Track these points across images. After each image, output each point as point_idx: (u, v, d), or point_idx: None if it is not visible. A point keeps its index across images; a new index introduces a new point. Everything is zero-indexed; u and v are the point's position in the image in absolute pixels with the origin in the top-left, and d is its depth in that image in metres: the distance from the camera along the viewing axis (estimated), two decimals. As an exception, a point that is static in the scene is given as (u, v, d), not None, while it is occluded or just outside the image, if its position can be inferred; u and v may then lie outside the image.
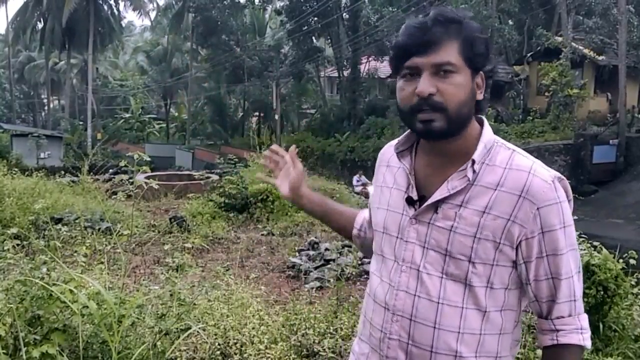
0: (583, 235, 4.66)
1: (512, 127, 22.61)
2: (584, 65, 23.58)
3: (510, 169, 1.33)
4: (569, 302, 1.36)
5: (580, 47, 22.76)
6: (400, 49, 1.31)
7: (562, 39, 22.56)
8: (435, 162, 1.40)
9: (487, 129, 1.40)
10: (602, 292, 3.88)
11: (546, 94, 22.83)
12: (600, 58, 23.00)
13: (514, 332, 1.41)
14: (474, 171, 1.33)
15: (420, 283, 1.35)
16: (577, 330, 1.37)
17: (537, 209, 1.29)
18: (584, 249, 4.27)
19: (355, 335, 1.64)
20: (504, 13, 26.44)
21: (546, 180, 1.31)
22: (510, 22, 28.89)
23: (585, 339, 1.37)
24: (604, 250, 4.21)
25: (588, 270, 3.95)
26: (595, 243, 4.37)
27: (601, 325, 3.88)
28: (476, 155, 1.34)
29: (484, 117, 1.43)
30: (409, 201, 1.40)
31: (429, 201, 1.36)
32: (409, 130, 1.46)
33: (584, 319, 1.39)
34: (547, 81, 21.81)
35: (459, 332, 1.33)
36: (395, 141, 1.56)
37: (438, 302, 1.33)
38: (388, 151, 1.56)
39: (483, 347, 1.35)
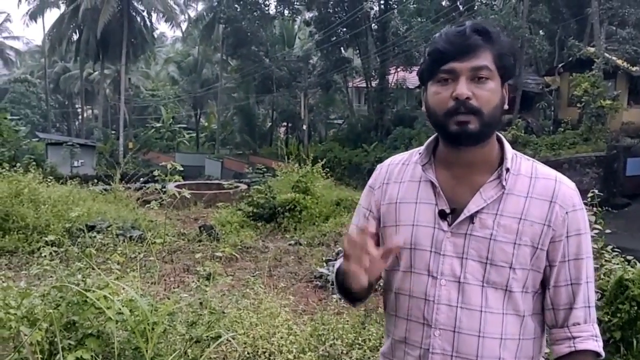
0: (616, 249, 4.59)
1: (542, 139, 22.28)
2: (617, 76, 23.16)
3: (537, 178, 1.40)
4: (585, 309, 1.39)
5: (614, 58, 22.37)
6: (439, 53, 1.35)
7: (594, 50, 22.21)
8: (459, 173, 1.42)
9: (506, 142, 1.45)
10: (635, 308, 3.81)
11: (578, 105, 22.45)
12: (634, 69, 22.57)
13: (542, 337, 1.45)
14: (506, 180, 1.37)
15: (461, 294, 1.37)
16: (593, 337, 1.40)
17: (566, 213, 1.37)
18: (617, 263, 4.21)
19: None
20: (534, 23, 26.14)
21: (571, 187, 1.41)
22: (541, 33, 28.57)
23: (600, 346, 1.40)
24: (638, 264, 4.14)
25: (621, 285, 3.89)
26: (629, 257, 4.30)
27: (634, 341, 3.81)
28: (509, 164, 1.39)
29: (498, 133, 1.46)
30: (442, 214, 1.41)
31: (466, 213, 1.37)
32: (426, 144, 1.49)
33: (597, 328, 1.42)
34: (579, 92, 21.46)
35: (501, 339, 1.35)
36: (397, 157, 1.59)
37: (481, 311, 1.35)
38: (393, 167, 1.56)
39: (521, 352, 1.38)
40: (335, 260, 7.96)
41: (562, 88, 25.81)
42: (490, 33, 1.35)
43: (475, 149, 1.38)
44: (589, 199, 4.62)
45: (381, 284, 1.59)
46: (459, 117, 1.33)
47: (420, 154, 1.50)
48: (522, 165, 1.42)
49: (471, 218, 1.37)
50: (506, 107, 1.41)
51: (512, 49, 1.40)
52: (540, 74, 28.31)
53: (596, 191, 4.73)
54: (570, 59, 24.53)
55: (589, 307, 1.40)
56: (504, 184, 1.37)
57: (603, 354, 1.41)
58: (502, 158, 1.42)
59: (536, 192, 1.38)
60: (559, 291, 1.39)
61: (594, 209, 4.53)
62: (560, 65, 25.81)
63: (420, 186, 1.47)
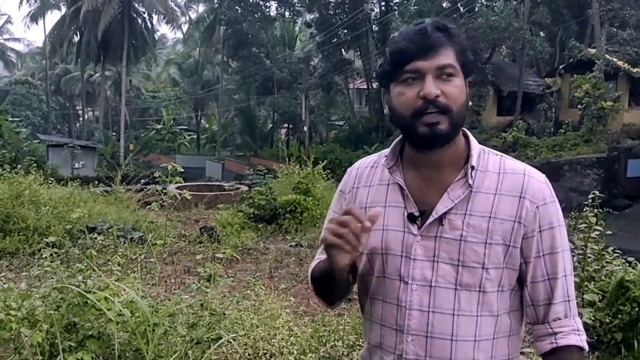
0: (617, 251, 4.59)
1: (543, 140, 22.30)
2: (618, 78, 23.19)
3: (504, 173, 1.37)
4: (564, 303, 1.37)
5: (614, 59, 22.39)
6: (400, 53, 1.32)
7: (595, 51, 22.23)
8: (428, 174, 1.39)
9: (472, 137, 1.42)
10: (636, 309, 3.80)
11: (579, 106, 22.48)
12: (635, 70, 22.58)
13: (519, 332, 1.43)
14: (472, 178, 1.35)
15: (433, 298, 1.34)
16: (575, 332, 1.37)
17: (537, 207, 1.34)
18: (618, 265, 4.21)
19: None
20: (535, 25, 26.18)
21: (541, 180, 1.37)
22: (542, 34, 28.61)
23: (583, 340, 1.37)
24: (639, 266, 4.14)
25: (622, 287, 3.89)
26: (630, 259, 4.30)
27: (635, 343, 3.81)
28: (474, 162, 1.36)
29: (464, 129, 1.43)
30: (411, 218, 1.38)
31: (434, 215, 1.35)
32: (392, 146, 1.46)
33: (579, 321, 1.40)
34: (580, 93, 21.48)
35: (475, 340, 1.34)
36: (366, 160, 1.56)
37: (453, 314, 1.33)
38: (362, 171, 1.53)
39: (497, 350, 1.36)
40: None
41: (563, 89, 25.83)
42: (451, 30, 1.33)
43: (442, 150, 1.35)
44: (590, 201, 4.62)
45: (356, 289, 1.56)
46: (428, 118, 1.29)
47: (385, 156, 1.47)
48: (489, 161, 1.39)
49: (440, 220, 1.35)
50: (470, 103, 1.38)
51: (470, 46, 1.39)
52: (541, 76, 28.36)
53: (597, 192, 4.73)
54: (571, 60, 24.57)
55: (569, 300, 1.38)
56: (470, 182, 1.34)
57: (587, 347, 1.39)
58: (469, 155, 1.39)
59: (505, 188, 1.35)
60: (536, 287, 1.37)
61: (595, 210, 4.53)
62: (561, 67, 25.84)
63: (388, 189, 1.44)
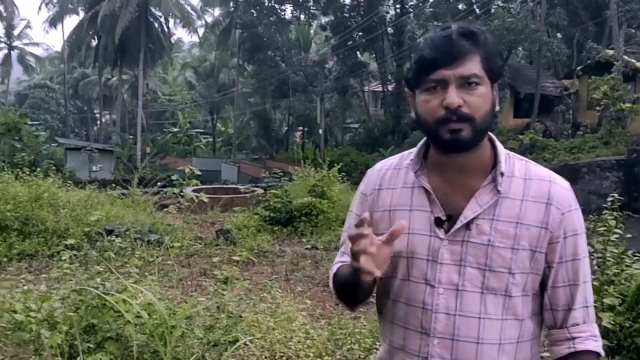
0: (637, 254, 4.53)
1: (560, 142, 22.08)
2: (637, 79, 22.90)
3: (530, 179, 1.38)
4: (584, 309, 1.39)
5: (633, 60, 22.12)
6: (425, 61, 1.32)
7: (613, 52, 21.99)
8: (452, 178, 1.39)
9: (499, 142, 1.42)
10: (659, 314, 3.75)
11: (597, 108, 22.22)
12: (654, 71, 22.30)
13: (540, 337, 1.44)
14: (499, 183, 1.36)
15: (460, 302, 1.35)
16: (593, 337, 1.39)
17: (562, 214, 1.35)
18: (639, 268, 4.15)
19: None
20: (552, 26, 25.96)
21: (565, 187, 1.39)
22: (559, 36, 28.37)
23: (599, 346, 1.39)
24: (660, 270, 4.08)
25: (644, 292, 3.83)
26: (651, 263, 4.24)
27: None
28: (503, 168, 1.36)
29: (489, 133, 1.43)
30: (438, 222, 1.38)
31: (462, 220, 1.35)
32: (417, 149, 1.46)
33: (596, 327, 1.41)
34: (598, 95, 21.24)
35: (499, 344, 1.35)
36: (387, 161, 1.55)
37: (479, 318, 1.34)
38: (384, 173, 1.53)
39: (520, 353, 1.37)
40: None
41: (580, 91, 25.58)
42: (477, 35, 1.33)
43: (468, 154, 1.36)
44: (609, 203, 4.56)
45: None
46: (451, 125, 1.30)
47: (411, 159, 1.46)
48: (515, 167, 1.39)
49: (467, 225, 1.35)
50: (497, 108, 1.38)
51: (498, 49, 1.39)
52: (558, 77, 28.11)
53: (616, 195, 4.66)
54: (589, 61, 24.31)
55: (588, 307, 1.39)
56: (499, 188, 1.35)
57: (603, 353, 1.39)
58: (495, 160, 1.39)
59: (531, 194, 1.36)
60: (557, 292, 1.38)
61: (614, 213, 4.48)
62: (579, 68, 25.59)
63: (413, 192, 1.44)
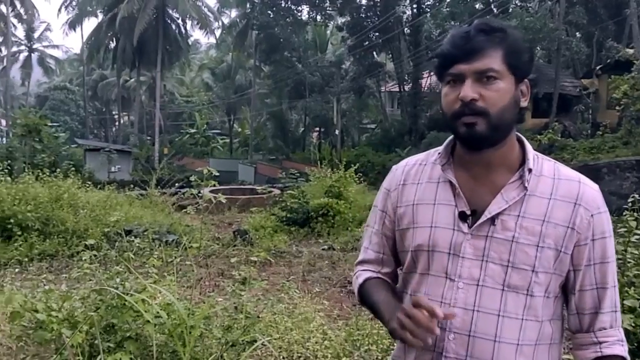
0: (659, 256, 4.47)
1: (580, 143, 21.85)
2: (658, 78, 22.59)
3: (559, 179, 1.37)
4: (611, 313, 1.37)
5: (654, 59, 21.82)
6: (444, 56, 1.36)
7: (633, 51, 21.70)
8: (479, 174, 1.40)
9: (527, 142, 1.43)
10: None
11: (617, 107, 21.94)
12: (676, 70, 21.96)
13: (560, 343, 1.42)
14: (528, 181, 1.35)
15: (479, 297, 1.34)
16: (620, 342, 1.37)
17: (591, 215, 1.34)
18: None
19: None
20: (571, 25, 25.70)
21: (595, 189, 1.38)
22: (578, 35, 28.07)
23: (626, 351, 1.37)
24: (682, 272, 4.03)
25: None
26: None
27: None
28: (531, 165, 1.37)
29: (518, 134, 1.44)
30: (462, 216, 1.38)
31: (487, 215, 1.35)
32: (445, 144, 1.47)
33: (622, 332, 1.40)
34: (618, 95, 20.97)
35: (517, 344, 1.33)
36: (413, 158, 1.57)
37: (498, 315, 1.33)
38: (409, 168, 1.54)
39: (537, 357, 1.36)
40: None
41: (600, 91, 25.29)
42: (498, 31, 1.33)
43: (493, 150, 1.36)
44: (630, 204, 4.51)
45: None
46: (465, 119, 1.32)
47: (439, 154, 1.47)
48: (544, 166, 1.39)
49: (492, 220, 1.35)
50: (524, 104, 1.38)
51: (523, 46, 1.36)
52: (577, 77, 27.81)
53: (637, 196, 4.61)
54: (609, 61, 24.04)
55: (616, 311, 1.38)
56: (526, 185, 1.35)
57: (629, 358, 1.38)
58: (523, 158, 1.39)
59: (559, 193, 1.35)
60: (584, 295, 1.36)
61: (635, 214, 4.42)
62: (598, 68, 25.31)
63: (438, 187, 1.44)
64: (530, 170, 1.36)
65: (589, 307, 1.37)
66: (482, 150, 1.37)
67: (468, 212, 1.37)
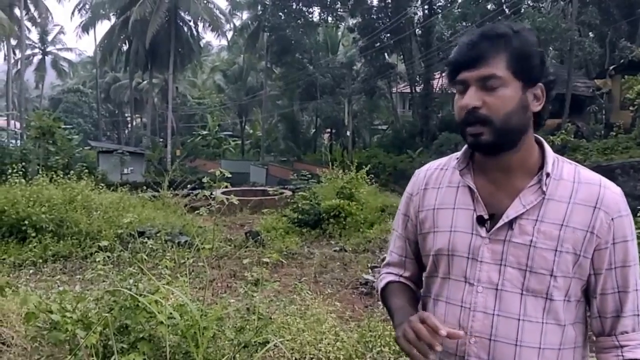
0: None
1: (593, 143, 21.67)
2: (673, 78, 22.37)
3: (580, 183, 1.36)
4: (634, 317, 1.35)
5: (668, 59, 21.61)
6: (451, 64, 1.38)
7: (647, 51, 21.52)
8: (497, 178, 1.40)
9: (547, 145, 1.42)
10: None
11: (631, 108, 21.76)
12: (690, 70, 21.74)
13: (585, 347, 1.41)
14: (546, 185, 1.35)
15: (499, 302, 1.35)
16: None
17: (612, 219, 1.32)
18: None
19: None
20: (584, 25, 25.49)
21: (616, 192, 1.36)
22: (591, 35, 27.86)
23: None
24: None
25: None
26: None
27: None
28: (549, 169, 1.36)
29: (538, 137, 1.43)
30: (480, 220, 1.39)
31: (504, 219, 1.35)
32: (464, 149, 1.48)
33: None
34: (632, 95, 20.79)
35: (539, 348, 1.33)
36: (435, 162, 1.58)
37: (519, 319, 1.33)
38: (430, 173, 1.56)
39: None
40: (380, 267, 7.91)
41: (613, 91, 25.09)
42: (502, 37, 1.32)
43: (509, 154, 1.36)
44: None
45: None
46: (470, 129, 1.33)
47: (457, 159, 1.48)
48: (564, 170, 1.38)
49: (510, 224, 1.35)
50: (537, 108, 1.37)
51: (530, 50, 1.34)
52: (590, 77, 27.60)
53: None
54: (622, 61, 23.83)
55: (638, 315, 1.36)
56: (544, 189, 1.34)
57: None
58: (543, 162, 1.39)
59: (579, 197, 1.34)
60: (605, 299, 1.35)
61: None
62: (611, 68, 25.11)
63: (458, 191, 1.46)
64: (548, 175, 1.35)
65: (611, 311, 1.36)
66: (498, 155, 1.37)
67: (486, 217, 1.38)
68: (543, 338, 1.33)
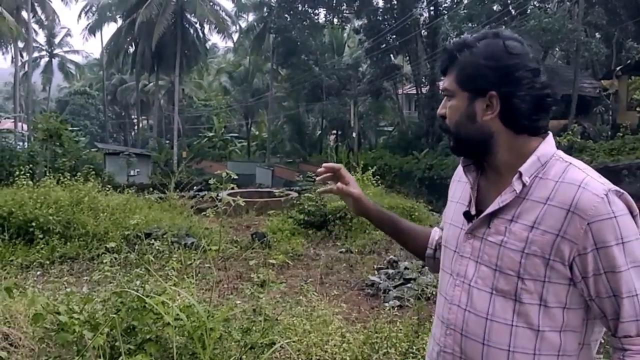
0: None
1: (599, 144, 21.58)
2: (680, 79, 22.29)
3: (561, 182, 1.31)
4: (635, 322, 1.28)
5: (675, 60, 21.53)
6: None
7: (654, 52, 21.45)
8: (491, 177, 1.45)
9: (546, 144, 1.39)
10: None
11: (637, 108, 21.70)
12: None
13: (580, 354, 1.35)
14: (523, 184, 1.33)
15: (470, 298, 1.37)
16: None
17: (588, 224, 1.25)
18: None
19: None
20: (590, 26, 25.40)
21: (597, 194, 1.26)
22: (598, 35, 27.75)
23: None
24: None
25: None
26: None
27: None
28: (523, 168, 1.34)
29: (549, 133, 1.43)
30: (467, 215, 1.44)
31: (481, 215, 1.39)
32: None
33: None
34: (639, 96, 20.74)
35: (509, 350, 1.32)
36: None
37: (486, 318, 1.34)
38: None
39: None
40: (387, 268, 7.94)
41: (620, 92, 25.01)
42: (458, 50, 1.39)
43: (491, 158, 1.42)
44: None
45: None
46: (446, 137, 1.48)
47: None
48: (553, 169, 1.34)
49: (488, 222, 1.38)
50: (486, 118, 1.36)
51: (484, 58, 1.34)
52: (597, 78, 27.51)
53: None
54: (629, 61, 23.77)
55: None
56: (516, 187, 1.33)
57: None
58: None
59: (556, 199, 1.29)
60: (603, 302, 1.30)
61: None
62: (618, 68, 25.03)
63: (465, 187, 1.51)
64: (520, 173, 1.33)
65: (610, 312, 1.30)
66: (481, 158, 1.45)
67: (472, 212, 1.43)
68: (513, 340, 1.31)
